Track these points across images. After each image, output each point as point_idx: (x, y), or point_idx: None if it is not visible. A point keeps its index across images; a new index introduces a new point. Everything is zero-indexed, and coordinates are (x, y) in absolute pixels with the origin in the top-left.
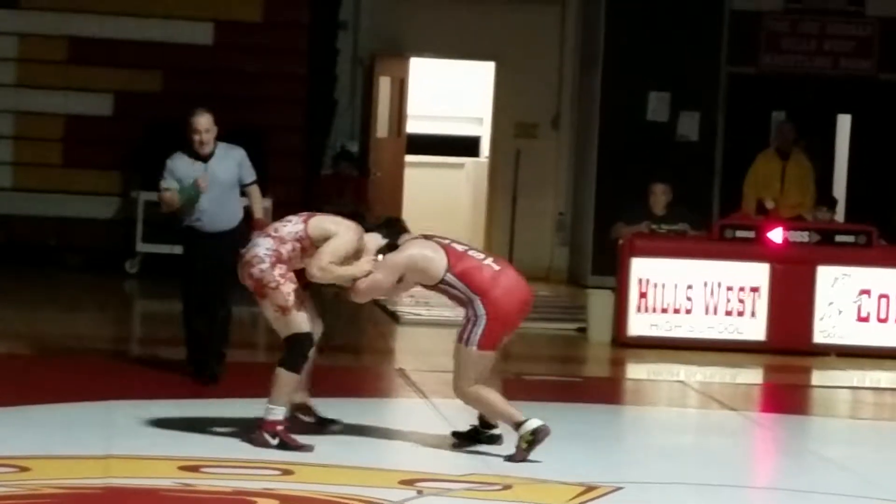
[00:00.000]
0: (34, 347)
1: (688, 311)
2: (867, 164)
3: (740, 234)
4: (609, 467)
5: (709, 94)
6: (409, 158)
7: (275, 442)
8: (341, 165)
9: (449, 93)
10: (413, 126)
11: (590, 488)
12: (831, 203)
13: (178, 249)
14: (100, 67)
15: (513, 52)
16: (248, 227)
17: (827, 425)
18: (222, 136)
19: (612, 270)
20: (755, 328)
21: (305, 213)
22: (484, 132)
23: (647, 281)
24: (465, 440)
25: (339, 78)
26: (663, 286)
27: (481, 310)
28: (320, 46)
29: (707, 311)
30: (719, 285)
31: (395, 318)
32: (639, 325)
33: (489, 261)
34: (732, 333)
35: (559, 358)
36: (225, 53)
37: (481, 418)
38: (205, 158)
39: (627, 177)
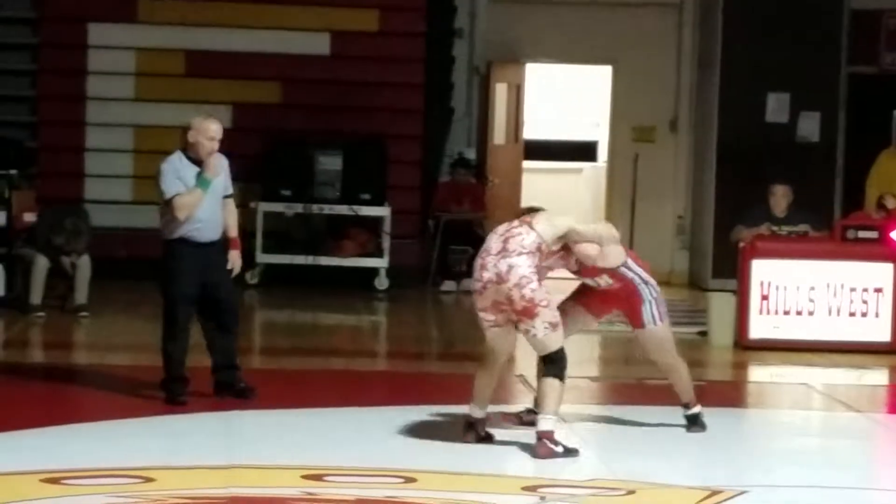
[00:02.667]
0: (156, 359)
1: (810, 313)
2: None
3: (863, 234)
4: (733, 471)
5: (829, 94)
6: (526, 164)
7: (560, 449)
8: (459, 173)
9: (566, 98)
10: (530, 132)
11: (714, 492)
12: None
13: (298, 260)
14: (217, 80)
15: (629, 55)
16: (226, 243)
17: None
18: (343, 146)
19: (733, 273)
20: (879, 329)
21: (520, 221)
22: (601, 136)
23: (769, 283)
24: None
25: (455, 86)
26: (785, 288)
27: (654, 292)
28: (436, 55)
29: (830, 313)
30: (842, 286)
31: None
32: (761, 327)
33: None
34: (856, 335)
35: (681, 360)
36: (342, 63)
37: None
38: (201, 163)
39: (747, 179)
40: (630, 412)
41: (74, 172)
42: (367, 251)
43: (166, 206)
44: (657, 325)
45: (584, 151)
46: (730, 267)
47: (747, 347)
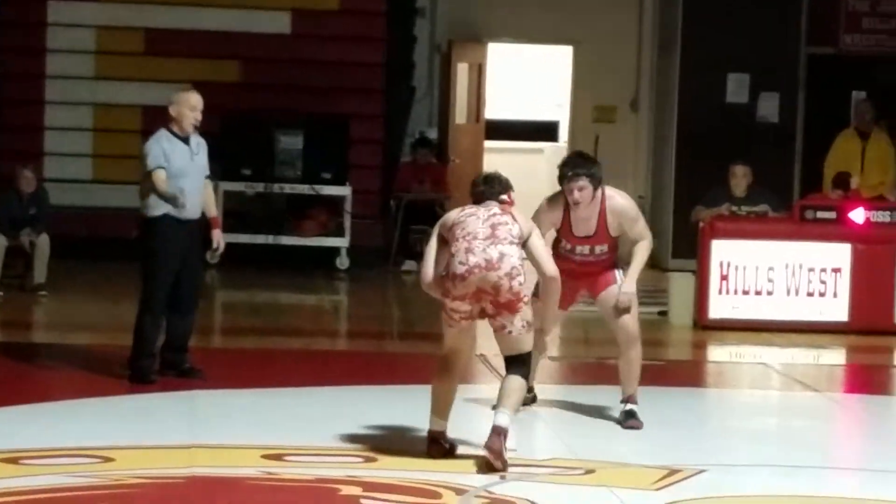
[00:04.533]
0: (117, 339)
1: (769, 293)
2: None
3: (821, 214)
4: (692, 450)
5: (788, 75)
6: (487, 144)
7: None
8: (420, 152)
9: (527, 78)
10: (491, 112)
11: (673, 471)
12: None
13: (259, 239)
14: (177, 58)
15: (590, 36)
16: (207, 223)
17: None
18: (304, 125)
19: (693, 253)
20: (837, 309)
21: (501, 210)
22: (562, 117)
23: (729, 263)
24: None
25: (416, 65)
26: (744, 268)
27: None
28: (398, 34)
29: (789, 293)
30: (801, 267)
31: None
32: (720, 307)
33: None
34: (814, 315)
35: (641, 341)
36: (302, 42)
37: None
38: (186, 140)
39: (707, 159)
40: (589, 392)
41: (34, 151)
42: (327, 231)
43: (147, 177)
44: (628, 284)
45: (545, 131)
46: (689, 247)
47: (707, 327)
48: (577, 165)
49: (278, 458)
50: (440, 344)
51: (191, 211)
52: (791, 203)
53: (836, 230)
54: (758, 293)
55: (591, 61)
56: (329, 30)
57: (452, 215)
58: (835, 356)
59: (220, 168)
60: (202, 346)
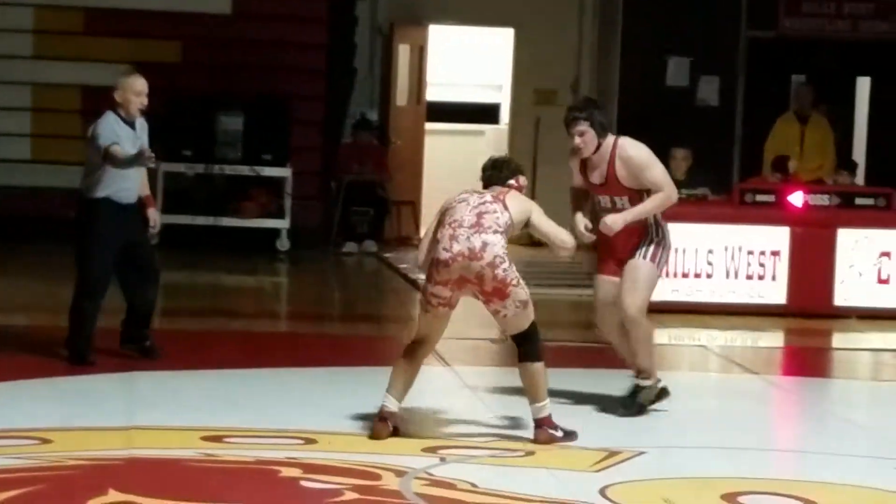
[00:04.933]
0: (56, 320)
1: (709, 276)
2: (887, 126)
3: (761, 198)
4: (631, 432)
5: (729, 59)
6: (428, 126)
7: (560, 434)
8: (361, 134)
9: (468, 60)
10: (432, 94)
11: (612, 453)
12: (851, 166)
13: (200, 220)
14: (117, 38)
15: (532, 18)
16: (142, 203)
17: (848, 388)
18: (245, 106)
19: None
20: (776, 292)
21: (493, 197)
22: (504, 99)
23: None
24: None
25: (357, 46)
26: (684, 251)
27: (669, 240)
28: (339, 15)
29: (728, 276)
30: (740, 249)
31: (416, 285)
32: (660, 290)
33: None
34: (753, 297)
35: (581, 324)
36: (243, 23)
37: (637, 372)
38: (132, 125)
39: (647, 142)
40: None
41: None
42: (268, 212)
43: (103, 157)
44: (645, 261)
45: (486, 114)
46: None
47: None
48: (576, 108)
49: (218, 439)
50: (403, 327)
51: (131, 195)
52: (731, 186)
53: (775, 213)
54: (697, 276)
55: (532, 44)
56: (270, 10)
57: (448, 200)
58: (773, 339)
59: (161, 149)
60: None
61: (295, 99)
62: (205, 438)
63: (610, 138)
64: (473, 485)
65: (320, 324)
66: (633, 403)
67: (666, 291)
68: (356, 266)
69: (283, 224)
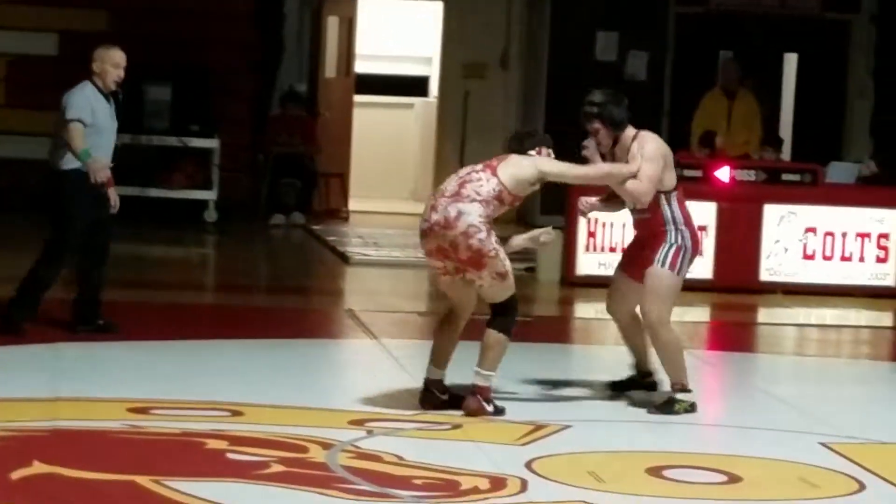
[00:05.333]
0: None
1: None
2: (813, 103)
3: (687, 173)
4: (558, 406)
5: (657, 34)
6: (357, 98)
7: (490, 408)
8: (289, 106)
9: (397, 32)
10: (361, 66)
11: (538, 427)
12: (777, 142)
13: (127, 191)
14: (43, 7)
15: None
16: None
17: (773, 362)
18: (172, 77)
19: (561, 210)
20: (702, 267)
21: (484, 165)
22: (433, 72)
23: (596, 220)
24: (621, 389)
25: (286, 18)
26: (612, 225)
27: (689, 241)
28: None
29: None
30: None
31: (344, 258)
32: (587, 264)
33: None
34: None
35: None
36: None
37: (637, 366)
38: (108, 97)
39: (576, 116)
40: (458, 348)
41: None
42: (195, 183)
43: (63, 126)
44: (664, 268)
45: (415, 86)
46: (558, 204)
47: (574, 284)
48: (589, 103)
49: (144, 411)
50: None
51: (106, 167)
52: None
53: (701, 188)
54: (624, 250)
55: (461, 17)
56: None
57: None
58: (699, 313)
59: None
60: (68, 298)
61: (223, 70)
62: (131, 410)
63: (630, 130)
64: (400, 457)
65: (247, 296)
66: (665, 411)
67: (593, 265)
68: (284, 238)
69: (210, 195)
